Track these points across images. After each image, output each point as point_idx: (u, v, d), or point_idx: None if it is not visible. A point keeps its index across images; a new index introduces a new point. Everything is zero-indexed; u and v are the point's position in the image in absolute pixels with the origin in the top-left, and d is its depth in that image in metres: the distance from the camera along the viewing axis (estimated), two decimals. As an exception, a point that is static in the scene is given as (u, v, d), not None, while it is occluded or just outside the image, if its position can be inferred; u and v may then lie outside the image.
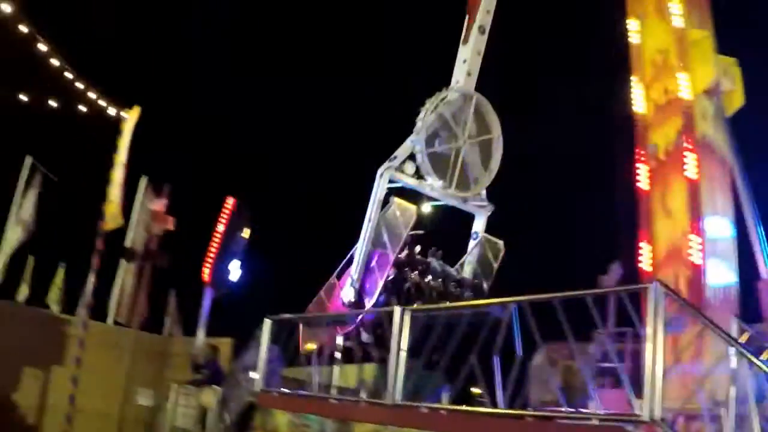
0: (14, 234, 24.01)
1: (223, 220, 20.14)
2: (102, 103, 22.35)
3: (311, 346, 14.06)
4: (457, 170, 16.84)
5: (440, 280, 16.48)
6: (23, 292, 25.81)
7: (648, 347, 7.87)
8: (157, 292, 22.49)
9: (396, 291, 15.88)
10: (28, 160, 24.86)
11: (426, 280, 16.34)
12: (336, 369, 13.38)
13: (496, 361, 9.09)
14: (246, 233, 20.57)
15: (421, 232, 16.72)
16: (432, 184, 16.76)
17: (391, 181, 16.42)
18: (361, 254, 15.93)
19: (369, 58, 35.90)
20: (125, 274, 23.80)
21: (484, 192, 17.69)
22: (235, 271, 20.07)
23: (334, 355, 13.39)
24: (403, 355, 10.45)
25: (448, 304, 10.34)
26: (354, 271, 16.07)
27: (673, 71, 15.42)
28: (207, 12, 34.30)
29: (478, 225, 17.83)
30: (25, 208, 24.25)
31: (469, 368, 9.46)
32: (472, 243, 17.73)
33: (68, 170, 25.76)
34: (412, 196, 16.81)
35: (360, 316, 14.76)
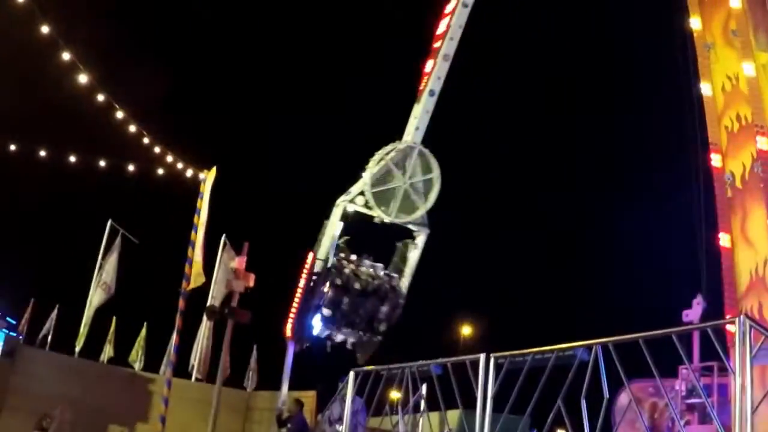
0: (97, 297, 24.62)
1: (304, 275, 20.38)
2: (179, 165, 22.91)
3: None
4: (398, 202, 19.58)
5: (371, 269, 19.66)
6: (107, 352, 26.42)
7: (736, 381, 7.75)
8: (240, 349, 22.78)
9: (334, 282, 19.01)
10: (109, 224, 25.55)
11: (361, 268, 19.50)
12: (421, 420, 13.36)
13: (584, 404, 9.00)
14: (327, 286, 20.80)
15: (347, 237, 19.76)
16: (378, 213, 19.56)
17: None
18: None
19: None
20: (207, 332, 24.23)
21: (424, 217, 20.04)
22: (317, 324, 20.25)
23: (419, 404, 13.37)
24: (489, 403, 10.40)
25: (533, 349, 10.20)
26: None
27: (744, 97, 15.27)
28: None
29: (419, 241, 20.20)
30: (107, 270, 24.87)
31: (556, 411, 9.37)
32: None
33: (149, 232, 26.40)
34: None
35: None
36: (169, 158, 22.78)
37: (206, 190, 22.21)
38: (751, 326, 7.95)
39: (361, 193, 19.58)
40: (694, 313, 14.98)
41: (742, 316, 8.08)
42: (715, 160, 15.82)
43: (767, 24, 15.61)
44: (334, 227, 19.42)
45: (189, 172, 22.86)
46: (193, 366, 24.51)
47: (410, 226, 20.26)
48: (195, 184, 22.57)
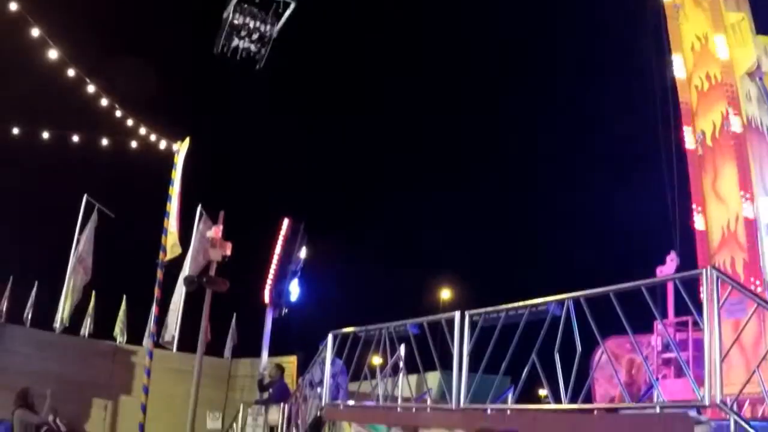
0: (77, 273, 24.58)
1: (280, 241, 20.47)
2: (153, 137, 22.84)
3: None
4: None
5: None
6: (87, 326, 26.40)
7: (705, 332, 7.91)
8: (219, 316, 22.86)
9: None
10: (85, 199, 25.47)
11: None
12: (401, 380, 13.49)
13: (557, 358, 9.15)
14: (303, 252, 20.93)
15: None
16: None
17: None
18: None
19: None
20: (186, 302, 24.30)
21: None
22: (294, 290, 20.40)
23: (398, 366, 13.50)
24: (465, 360, 10.55)
25: (506, 305, 10.32)
26: None
27: (714, 56, 15.37)
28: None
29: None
30: (83, 245, 24.83)
31: (530, 366, 9.52)
32: None
33: (124, 205, 26.34)
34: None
35: None
36: (142, 131, 22.71)
37: (180, 161, 22.21)
38: (718, 277, 8.11)
39: None
40: (667, 269, 15.15)
41: (709, 267, 8.25)
42: (687, 131, 15.94)
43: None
44: None
45: (162, 144, 22.82)
46: (173, 336, 24.60)
47: None
48: (169, 156, 22.57)
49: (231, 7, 20.60)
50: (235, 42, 20.78)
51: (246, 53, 20.95)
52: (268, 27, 20.71)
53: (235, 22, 20.50)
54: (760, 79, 15.15)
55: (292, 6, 20.89)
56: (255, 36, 20.71)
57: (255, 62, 21.00)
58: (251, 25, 20.56)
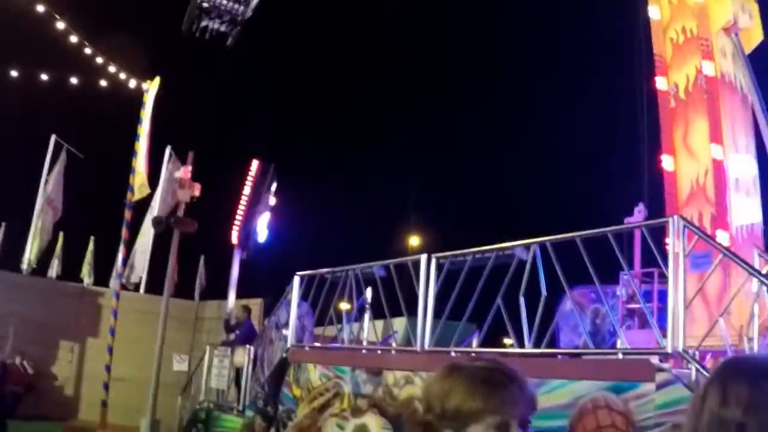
0: (45, 215, 24.36)
1: (249, 183, 20.35)
2: (122, 76, 22.50)
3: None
4: None
5: None
6: (55, 267, 26.24)
7: (670, 279, 7.94)
8: (187, 258, 22.76)
9: None
10: (53, 139, 25.15)
11: None
12: (366, 323, 13.53)
13: (522, 302, 9.18)
14: (272, 195, 20.83)
15: None
16: None
17: None
18: None
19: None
20: (154, 243, 24.17)
21: None
22: (262, 232, 20.33)
23: (364, 311, 13.52)
24: (431, 303, 10.57)
25: (472, 249, 10.31)
26: None
27: (690, 10, 15.28)
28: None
29: None
30: (51, 186, 24.57)
31: (495, 311, 9.55)
32: None
33: (93, 145, 26.05)
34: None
35: None
36: (112, 69, 22.34)
37: (149, 100, 21.95)
38: (685, 226, 8.13)
39: None
40: (635, 220, 15.21)
41: (676, 216, 8.27)
42: (660, 82, 15.87)
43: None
44: None
45: (132, 83, 22.48)
46: (141, 278, 24.52)
47: None
48: (138, 95, 22.28)
49: None
50: (205, 22, 20.20)
51: (216, 33, 20.40)
52: (241, 8, 20.05)
53: (205, 5, 19.88)
54: (736, 35, 15.08)
55: None
56: (226, 17, 20.11)
57: (225, 40, 20.41)
58: (223, 6, 19.95)
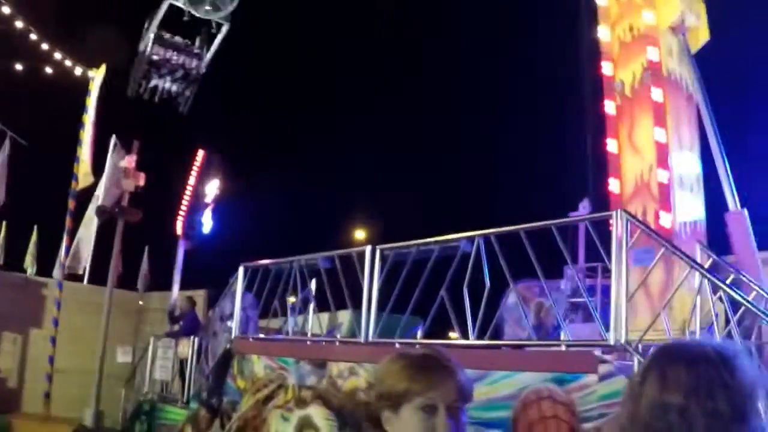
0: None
1: (194, 173, 20.19)
2: (68, 63, 22.17)
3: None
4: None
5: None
6: (-2, 258, 25.75)
7: (613, 273, 8.02)
8: (132, 249, 22.53)
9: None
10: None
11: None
12: (311, 316, 13.52)
13: (466, 294, 9.21)
14: (217, 185, 20.69)
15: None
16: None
17: None
18: None
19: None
20: (98, 233, 23.83)
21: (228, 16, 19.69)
22: (207, 222, 20.19)
23: (308, 302, 13.50)
24: (375, 294, 10.57)
25: (417, 241, 10.33)
26: None
27: (638, 8, 15.43)
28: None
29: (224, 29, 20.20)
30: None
31: (439, 302, 9.57)
32: None
33: (38, 133, 25.60)
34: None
35: None
36: (57, 56, 22.00)
37: (95, 88, 21.68)
38: (628, 220, 8.22)
39: None
40: (579, 215, 15.39)
41: (620, 210, 8.37)
42: (606, 67, 16.01)
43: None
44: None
45: (78, 71, 22.16)
46: (85, 268, 24.17)
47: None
48: (84, 83, 21.98)
49: (149, 39, 19.06)
50: (155, 81, 19.62)
51: (167, 94, 19.82)
52: (195, 62, 19.43)
53: (155, 57, 19.28)
54: (683, 34, 15.27)
55: (225, 29, 19.58)
56: (179, 74, 19.46)
57: (177, 103, 19.70)
58: (174, 60, 19.32)
